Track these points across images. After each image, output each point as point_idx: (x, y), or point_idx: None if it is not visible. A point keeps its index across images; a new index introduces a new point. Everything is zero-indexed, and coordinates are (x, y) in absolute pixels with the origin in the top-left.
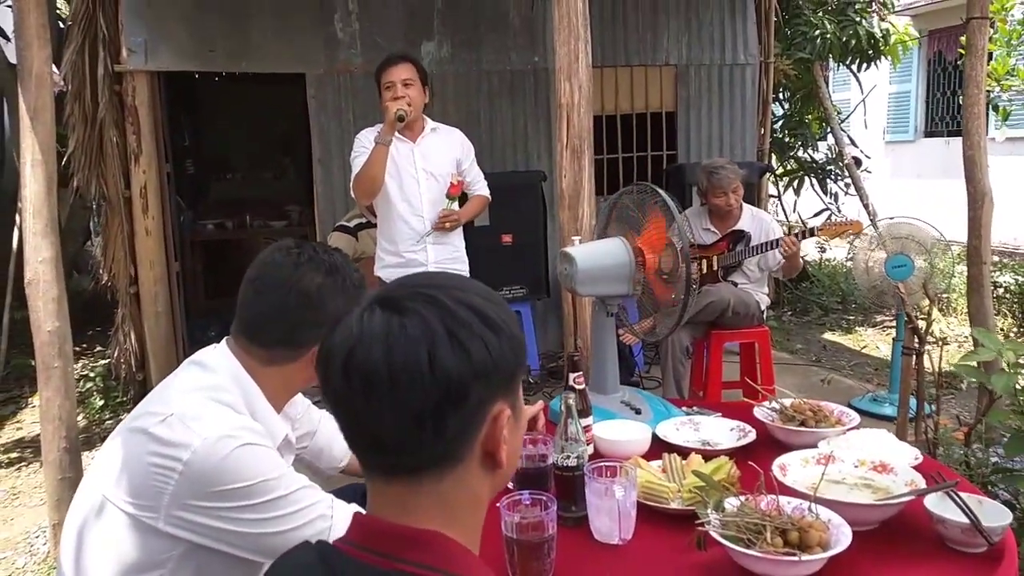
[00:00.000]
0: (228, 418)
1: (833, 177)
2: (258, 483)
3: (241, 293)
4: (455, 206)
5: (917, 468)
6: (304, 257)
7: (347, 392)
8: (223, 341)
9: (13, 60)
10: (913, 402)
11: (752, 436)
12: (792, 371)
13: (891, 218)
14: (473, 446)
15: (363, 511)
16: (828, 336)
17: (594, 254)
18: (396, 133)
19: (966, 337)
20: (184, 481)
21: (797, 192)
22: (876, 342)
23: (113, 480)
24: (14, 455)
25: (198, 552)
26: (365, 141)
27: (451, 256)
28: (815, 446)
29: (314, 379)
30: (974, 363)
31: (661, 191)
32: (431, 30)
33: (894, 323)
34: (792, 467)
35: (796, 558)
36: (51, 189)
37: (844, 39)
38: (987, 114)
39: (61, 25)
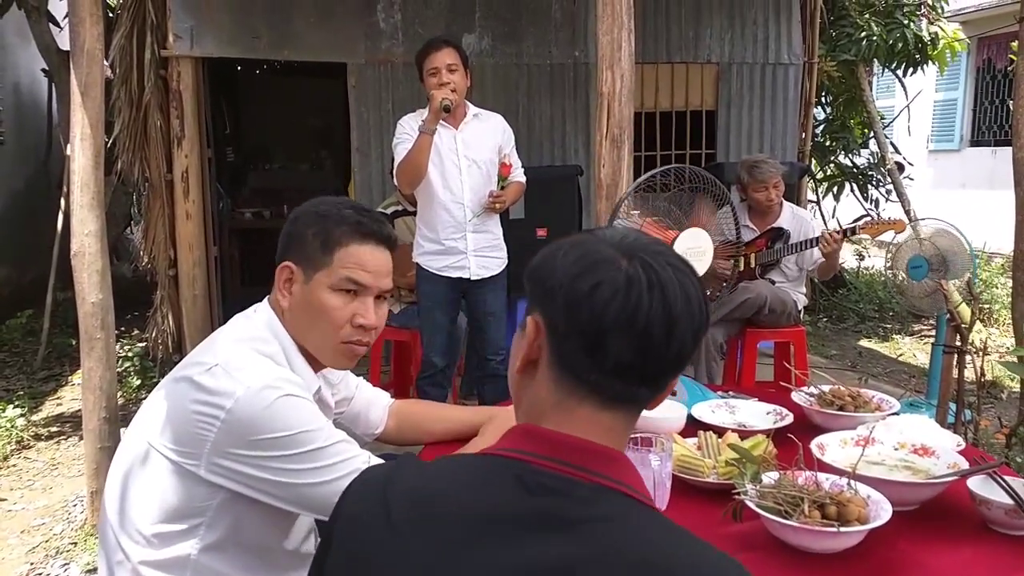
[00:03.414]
0: (270, 369)
1: (875, 183)
2: (298, 433)
3: None
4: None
5: (959, 454)
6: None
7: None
8: (265, 298)
9: (63, 46)
10: (952, 408)
11: (789, 419)
12: (826, 375)
13: (923, 219)
14: None
15: None
16: (864, 343)
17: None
18: None
19: (1008, 348)
20: (226, 429)
21: (837, 198)
22: (913, 350)
23: (158, 428)
24: (54, 429)
25: (237, 502)
26: (407, 128)
27: (490, 244)
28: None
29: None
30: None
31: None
32: (472, 22)
33: (933, 332)
34: (830, 447)
35: (835, 529)
36: (98, 163)
37: (891, 42)
38: None
39: (111, 14)
